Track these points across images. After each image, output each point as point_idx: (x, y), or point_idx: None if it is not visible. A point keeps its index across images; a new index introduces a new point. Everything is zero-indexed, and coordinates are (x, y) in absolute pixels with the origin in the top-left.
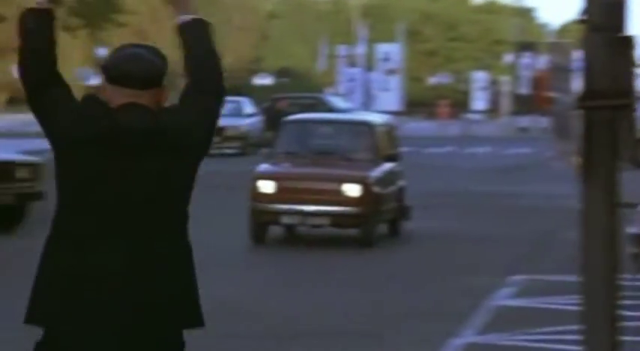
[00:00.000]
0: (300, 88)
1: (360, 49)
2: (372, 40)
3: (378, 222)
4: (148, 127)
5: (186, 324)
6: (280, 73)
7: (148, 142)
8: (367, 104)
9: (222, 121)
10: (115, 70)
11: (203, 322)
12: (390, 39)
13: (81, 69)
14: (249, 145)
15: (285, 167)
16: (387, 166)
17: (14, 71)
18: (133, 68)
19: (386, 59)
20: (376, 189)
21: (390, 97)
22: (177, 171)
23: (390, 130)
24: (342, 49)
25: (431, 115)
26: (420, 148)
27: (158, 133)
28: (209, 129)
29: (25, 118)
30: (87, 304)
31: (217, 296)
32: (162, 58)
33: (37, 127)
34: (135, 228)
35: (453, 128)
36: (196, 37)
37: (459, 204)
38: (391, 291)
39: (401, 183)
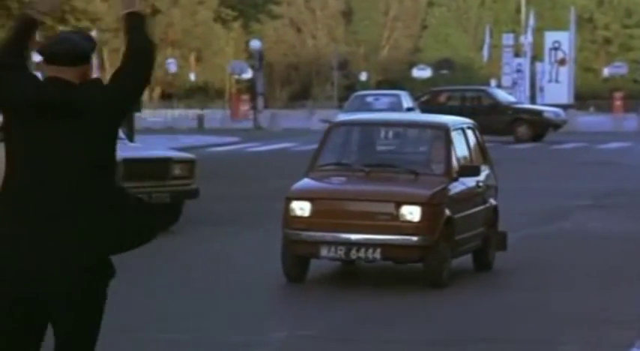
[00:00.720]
0: (462, 80)
1: (527, 38)
2: (540, 28)
3: (449, 254)
4: (63, 96)
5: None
6: (440, 64)
7: (62, 107)
8: (534, 97)
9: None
10: (46, 51)
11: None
12: (559, 26)
13: (235, 62)
14: None
15: (326, 184)
16: (468, 181)
17: (170, 66)
18: (58, 49)
19: (555, 48)
20: (446, 211)
21: (559, 89)
22: (85, 132)
23: (472, 135)
24: (507, 38)
25: (604, 108)
26: (591, 144)
27: (70, 101)
28: (117, 102)
29: (178, 114)
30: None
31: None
32: (90, 41)
33: (190, 123)
34: (53, 175)
35: (628, 123)
36: (135, 27)
37: (634, 204)
38: (560, 295)
39: (491, 202)
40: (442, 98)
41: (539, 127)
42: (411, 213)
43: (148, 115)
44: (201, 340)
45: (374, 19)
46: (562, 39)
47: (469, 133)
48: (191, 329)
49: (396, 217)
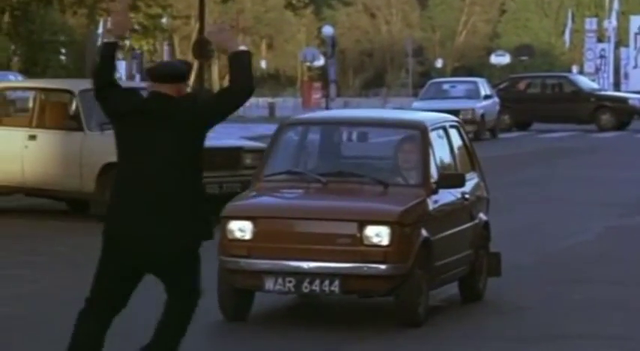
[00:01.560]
0: (542, 66)
1: (611, 22)
2: (625, 12)
3: (426, 285)
4: (162, 106)
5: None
6: (519, 50)
7: (160, 115)
8: (618, 84)
9: (456, 104)
10: (153, 72)
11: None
12: None
13: (307, 49)
14: (484, 130)
15: (273, 198)
16: (450, 193)
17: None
18: (162, 70)
19: None
20: (423, 232)
21: None
22: (177, 135)
23: (456, 135)
24: (590, 23)
25: None
26: None
27: (167, 111)
28: (205, 118)
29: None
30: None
31: None
32: (186, 65)
33: (261, 112)
34: (155, 174)
35: None
36: (242, 67)
37: None
38: None
39: (480, 218)
40: (521, 85)
41: (623, 114)
42: (379, 235)
43: None
44: None
45: (450, 4)
46: None
47: (453, 133)
48: None
49: (360, 240)
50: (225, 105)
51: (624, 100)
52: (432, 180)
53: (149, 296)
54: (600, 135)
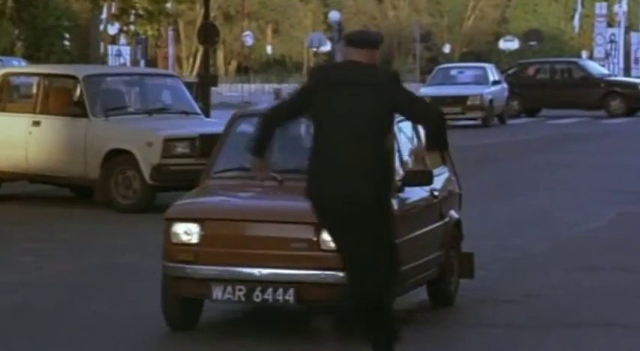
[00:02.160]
0: (551, 52)
1: (622, 7)
2: None
3: (390, 292)
4: (355, 74)
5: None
6: (528, 35)
7: (353, 83)
8: (628, 69)
9: (464, 90)
10: (350, 38)
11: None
12: None
13: (313, 34)
14: (492, 116)
15: (223, 198)
16: (418, 191)
17: (247, 39)
18: (355, 36)
19: None
20: None
21: None
22: (364, 101)
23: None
24: (600, 7)
25: None
26: None
27: (361, 79)
28: (400, 110)
29: (255, 88)
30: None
31: None
32: (379, 35)
33: (267, 97)
34: (348, 130)
35: None
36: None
37: None
38: None
39: (451, 216)
40: (530, 71)
41: (633, 100)
42: None
43: (224, 90)
44: None
45: None
46: None
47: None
48: None
49: (317, 244)
50: (412, 114)
51: (634, 86)
52: (397, 177)
53: (147, 288)
54: (610, 121)
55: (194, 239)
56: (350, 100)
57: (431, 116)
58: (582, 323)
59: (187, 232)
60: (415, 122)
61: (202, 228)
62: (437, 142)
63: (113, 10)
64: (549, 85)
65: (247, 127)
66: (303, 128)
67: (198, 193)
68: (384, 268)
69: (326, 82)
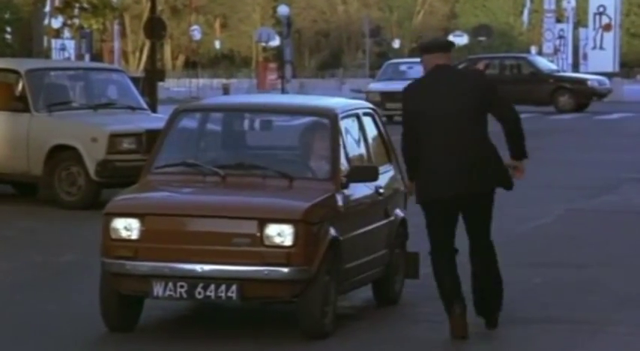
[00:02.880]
0: (500, 47)
1: (570, 2)
2: None
3: (334, 291)
4: (448, 76)
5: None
6: (478, 30)
7: (449, 84)
8: (577, 65)
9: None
10: (422, 45)
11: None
12: None
13: (262, 29)
14: None
15: (164, 193)
16: (363, 188)
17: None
18: (431, 42)
19: (600, 13)
20: (331, 231)
21: (604, 56)
22: (462, 99)
23: (371, 124)
24: (548, 2)
25: None
26: (637, 114)
27: (455, 80)
28: (490, 109)
29: (203, 83)
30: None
31: None
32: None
33: (215, 93)
34: (453, 126)
35: None
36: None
37: None
38: (607, 272)
39: (397, 215)
40: (479, 66)
41: (582, 96)
42: (281, 234)
43: (171, 85)
44: None
45: None
46: (607, 3)
47: (366, 121)
48: None
49: (260, 240)
50: (497, 113)
51: (583, 82)
52: (342, 173)
53: (91, 286)
54: (559, 117)
55: (134, 235)
56: (456, 100)
57: (510, 116)
58: (532, 319)
59: (127, 227)
60: (499, 120)
61: (143, 223)
62: (515, 143)
63: (57, 2)
64: (498, 81)
65: (189, 122)
66: (246, 124)
67: (138, 188)
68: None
69: (424, 93)
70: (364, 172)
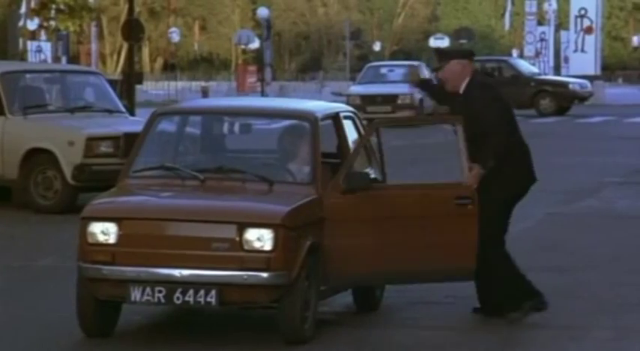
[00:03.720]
0: (482, 50)
1: (551, 5)
2: None
3: (315, 296)
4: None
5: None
6: (459, 33)
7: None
8: (559, 68)
9: (394, 88)
10: (445, 51)
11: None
12: None
13: (242, 31)
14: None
15: (141, 197)
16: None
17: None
18: (455, 49)
19: (581, 16)
20: (311, 237)
21: (585, 59)
22: (471, 110)
23: (352, 127)
24: (530, 5)
25: (633, 79)
26: (619, 118)
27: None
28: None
29: (181, 86)
30: None
31: None
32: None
33: (194, 96)
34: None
35: None
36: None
37: None
38: (588, 277)
39: None
40: None
41: (563, 99)
42: (260, 239)
43: (149, 88)
44: None
45: None
46: (589, 6)
47: (347, 124)
48: None
49: (239, 244)
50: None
51: (565, 85)
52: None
53: (67, 291)
54: (540, 120)
55: (111, 239)
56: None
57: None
58: (514, 324)
59: (104, 231)
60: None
61: (120, 227)
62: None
63: (33, 4)
64: None
65: (168, 126)
66: (225, 127)
67: (116, 192)
68: None
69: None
70: (358, 177)
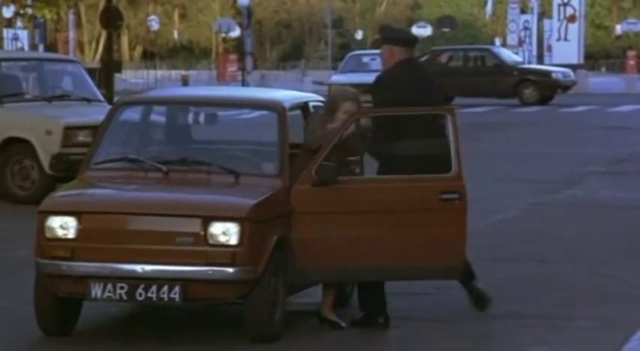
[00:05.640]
0: (464, 39)
1: None
2: None
3: (283, 292)
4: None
5: None
6: (441, 21)
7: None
8: (542, 57)
9: (373, 78)
10: (406, 39)
11: None
12: None
13: (222, 19)
14: None
15: (102, 190)
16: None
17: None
18: (409, 36)
19: (564, 4)
20: (278, 230)
21: (568, 47)
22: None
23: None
24: None
25: (616, 68)
26: (602, 107)
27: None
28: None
29: (161, 75)
30: None
31: None
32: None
33: (173, 85)
34: None
35: None
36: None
37: None
38: (570, 268)
39: None
40: (443, 58)
41: (546, 88)
42: (226, 233)
43: (128, 76)
44: None
45: None
46: None
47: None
48: None
49: (204, 239)
50: None
51: (548, 74)
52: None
53: None
54: (523, 109)
55: (71, 234)
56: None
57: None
58: (495, 315)
59: (63, 226)
60: None
61: (80, 222)
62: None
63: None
64: (462, 73)
65: (131, 116)
66: (190, 118)
67: (76, 185)
68: None
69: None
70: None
